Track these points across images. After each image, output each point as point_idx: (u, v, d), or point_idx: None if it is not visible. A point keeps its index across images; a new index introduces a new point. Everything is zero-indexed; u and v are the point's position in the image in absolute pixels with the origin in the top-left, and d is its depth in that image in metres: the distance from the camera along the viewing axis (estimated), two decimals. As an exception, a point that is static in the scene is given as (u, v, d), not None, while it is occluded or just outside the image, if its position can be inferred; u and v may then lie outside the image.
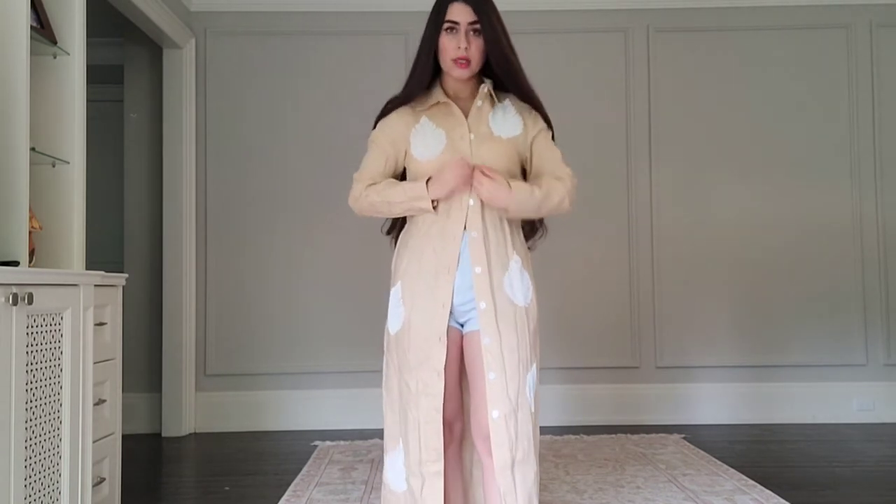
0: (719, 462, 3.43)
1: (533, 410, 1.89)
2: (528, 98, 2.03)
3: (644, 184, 4.51)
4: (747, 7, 4.55)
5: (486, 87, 2.01)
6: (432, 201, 1.91)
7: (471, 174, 1.88)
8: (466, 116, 2.00)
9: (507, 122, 2.01)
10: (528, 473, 1.85)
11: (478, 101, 2.01)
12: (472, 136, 1.97)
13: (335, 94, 4.49)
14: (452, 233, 1.92)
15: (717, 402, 4.43)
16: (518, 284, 1.94)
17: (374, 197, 1.97)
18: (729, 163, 4.51)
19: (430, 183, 1.90)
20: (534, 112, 2.04)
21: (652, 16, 4.55)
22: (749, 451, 3.77)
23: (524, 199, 1.90)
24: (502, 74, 2.00)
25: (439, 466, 1.87)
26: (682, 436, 4.04)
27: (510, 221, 1.99)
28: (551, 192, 1.94)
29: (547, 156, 2.02)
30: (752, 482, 3.08)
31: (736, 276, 4.48)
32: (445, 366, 1.89)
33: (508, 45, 1.98)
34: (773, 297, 4.47)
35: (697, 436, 4.05)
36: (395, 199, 1.94)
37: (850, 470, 3.37)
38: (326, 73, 4.51)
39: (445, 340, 1.89)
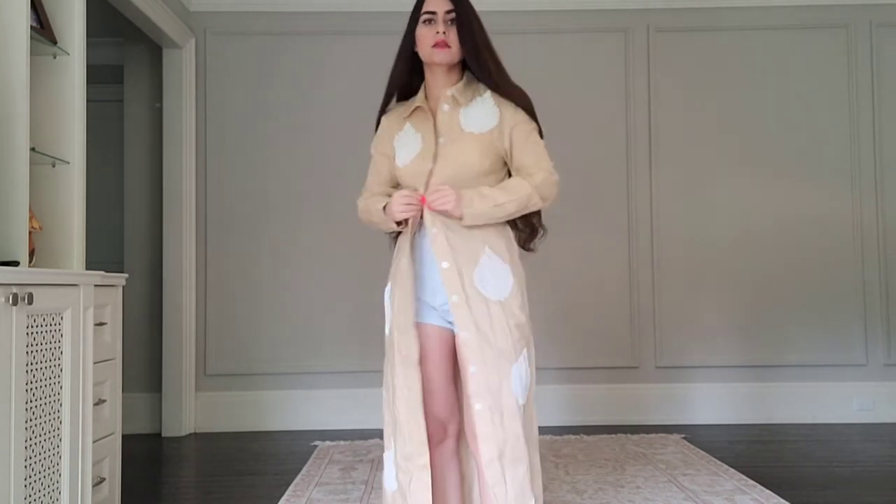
0: (719, 462, 3.43)
1: (522, 403, 1.87)
2: (507, 94, 2.00)
3: (644, 184, 4.51)
4: (747, 7, 4.54)
5: (450, 91, 1.99)
6: (397, 222, 1.97)
7: (417, 206, 1.91)
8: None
9: (482, 116, 1.98)
10: (518, 467, 1.83)
11: (444, 106, 2.00)
12: (442, 139, 1.97)
13: (335, 93, 4.48)
14: (413, 231, 1.98)
15: (717, 402, 4.43)
16: (490, 279, 1.91)
17: (365, 215, 2.09)
18: (729, 162, 4.51)
19: (386, 207, 1.98)
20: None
21: (652, 16, 4.55)
22: (749, 451, 3.77)
23: (477, 204, 1.89)
24: (473, 64, 1.98)
25: (425, 459, 1.87)
26: (682, 436, 4.04)
27: None
28: (514, 190, 1.92)
29: (526, 149, 1.97)
30: (752, 482, 3.08)
31: (736, 276, 4.47)
32: (423, 360, 1.91)
33: (483, 39, 1.98)
34: (772, 296, 4.47)
35: (697, 436, 4.05)
36: (375, 218, 2.04)
37: (850, 470, 3.37)
38: (327, 73, 4.51)
39: (416, 333, 1.91)
